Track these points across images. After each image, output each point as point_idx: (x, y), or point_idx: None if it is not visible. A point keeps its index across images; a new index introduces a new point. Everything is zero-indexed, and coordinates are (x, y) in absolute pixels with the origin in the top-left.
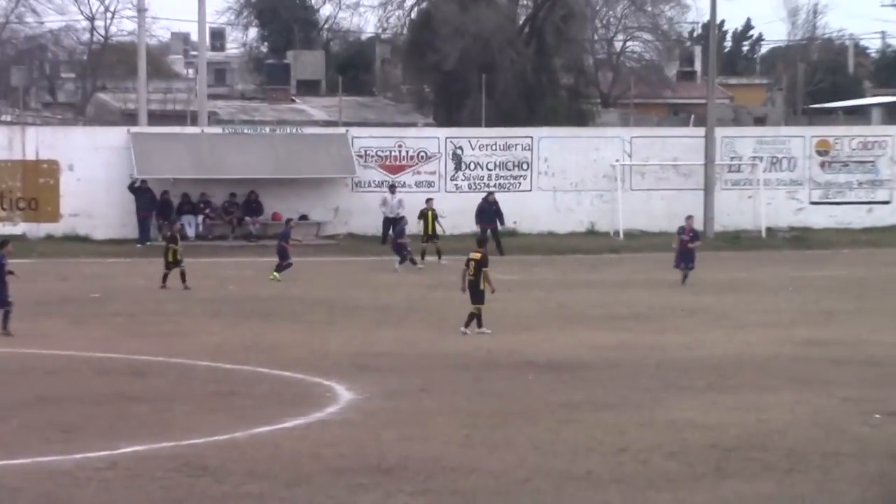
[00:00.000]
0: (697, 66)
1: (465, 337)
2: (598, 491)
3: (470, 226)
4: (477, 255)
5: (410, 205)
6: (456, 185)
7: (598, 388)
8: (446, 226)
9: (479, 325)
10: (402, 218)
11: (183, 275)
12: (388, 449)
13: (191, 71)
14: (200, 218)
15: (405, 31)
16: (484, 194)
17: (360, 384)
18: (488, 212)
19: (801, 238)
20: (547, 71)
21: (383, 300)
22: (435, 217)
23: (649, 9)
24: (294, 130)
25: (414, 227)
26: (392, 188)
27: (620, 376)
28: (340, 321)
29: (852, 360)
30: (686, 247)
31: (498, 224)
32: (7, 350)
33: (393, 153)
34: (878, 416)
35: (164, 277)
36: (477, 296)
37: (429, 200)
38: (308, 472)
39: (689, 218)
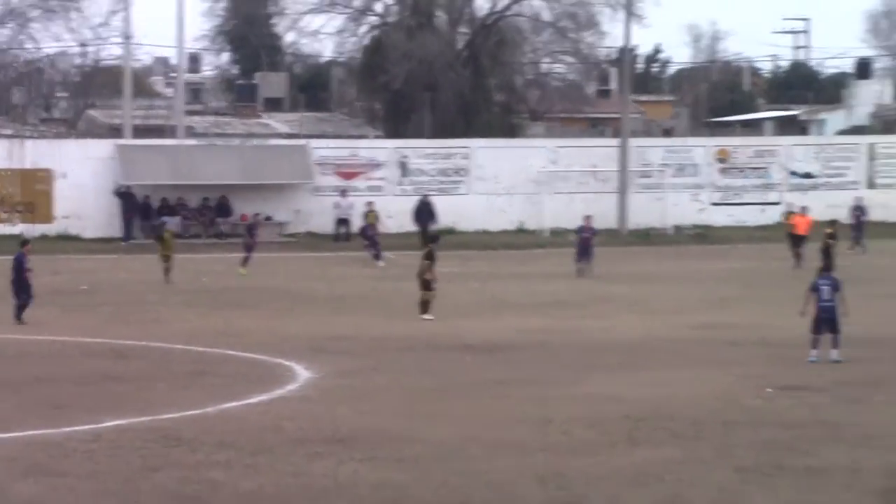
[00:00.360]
0: (613, 85)
1: (410, 322)
2: (525, 457)
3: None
4: (424, 250)
5: (361, 207)
6: (402, 189)
7: (527, 367)
8: (394, 226)
9: (425, 311)
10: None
11: (167, 270)
12: (342, 421)
13: (170, 90)
14: (178, 219)
15: (359, 55)
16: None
17: (317, 364)
18: (424, 212)
19: (704, 235)
20: (482, 90)
21: (338, 290)
22: (376, 218)
23: (572, 35)
24: (260, 142)
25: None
26: (343, 192)
27: (546, 356)
28: (300, 309)
29: (747, 341)
30: (587, 242)
31: (432, 223)
32: (5, 336)
33: (347, 162)
34: (769, 389)
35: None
36: (421, 283)
37: (370, 203)
38: (270, 442)
39: (588, 217)
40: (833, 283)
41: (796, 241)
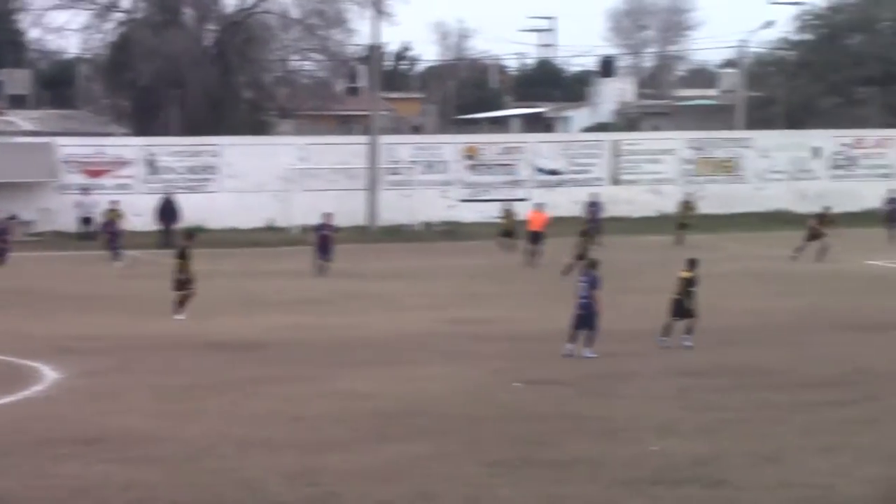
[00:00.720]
0: (362, 83)
1: (158, 321)
2: (276, 454)
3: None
4: (178, 248)
5: (105, 205)
6: (151, 187)
7: (277, 364)
8: (141, 224)
9: (178, 311)
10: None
11: None
12: (89, 422)
13: None
14: None
15: (105, 52)
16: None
17: (64, 365)
18: (167, 210)
19: (453, 231)
20: (231, 87)
21: (84, 290)
22: (119, 216)
23: (320, 33)
24: (4, 140)
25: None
26: (86, 190)
27: (296, 354)
28: (46, 309)
29: (496, 336)
30: (328, 240)
31: (175, 221)
32: None
33: (94, 159)
34: (517, 384)
35: None
36: (175, 283)
37: (113, 202)
38: (16, 444)
39: (328, 215)
40: (591, 280)
41: (532, 238)
